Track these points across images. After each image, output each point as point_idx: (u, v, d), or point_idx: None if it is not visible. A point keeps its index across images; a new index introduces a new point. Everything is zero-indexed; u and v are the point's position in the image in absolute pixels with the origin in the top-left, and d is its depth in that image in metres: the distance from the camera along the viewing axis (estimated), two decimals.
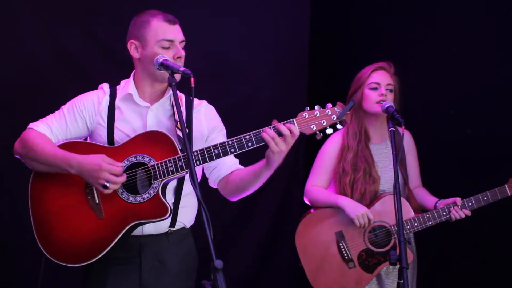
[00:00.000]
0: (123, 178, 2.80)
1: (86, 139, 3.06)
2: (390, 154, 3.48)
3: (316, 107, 2.81)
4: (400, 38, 4.65)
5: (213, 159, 2.81)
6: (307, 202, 3.84)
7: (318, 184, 3.81)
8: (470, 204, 3.68)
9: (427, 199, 3.84)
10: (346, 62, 4.57)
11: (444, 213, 3.68)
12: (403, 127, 3.18)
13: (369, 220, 3.62)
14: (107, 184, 2.77)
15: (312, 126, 2.79)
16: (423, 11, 4.61)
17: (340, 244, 3.68)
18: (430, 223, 3.67)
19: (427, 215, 3.68)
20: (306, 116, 2.80)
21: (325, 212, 3.73)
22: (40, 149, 2.88)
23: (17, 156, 2.99)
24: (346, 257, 3.67)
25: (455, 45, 4.46)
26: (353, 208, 3.64)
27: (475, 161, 4.40)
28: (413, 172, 3.88)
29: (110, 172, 2.77)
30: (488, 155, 4.34)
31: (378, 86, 3.70)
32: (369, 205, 3.69)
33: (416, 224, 3.65)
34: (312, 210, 3.79)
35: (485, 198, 3.67)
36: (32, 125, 3.00)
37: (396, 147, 3.18)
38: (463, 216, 3.67)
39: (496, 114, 4.35)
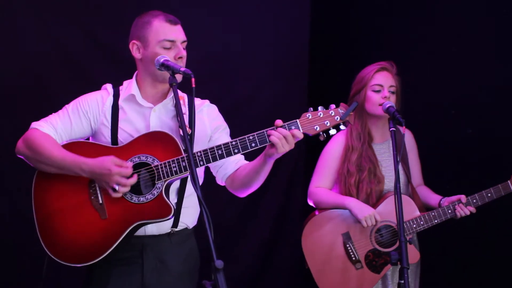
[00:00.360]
0: (133, 180, 2.79)
1: (88, 139, 3.05)
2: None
3: (320, 108, 2.82)
4: (400, 38, 4.65)
5: (217, 160, 2.82)
6: (311, 204, 3.83)
7: (322, 185, 3.80)
8: (474, 201, 3.69)
9: (431, 197, 3.84)
10: (346, 62, 4.56)
11: (450, 211, 3.69)
12: (403, 127, 3.18)
13: (376, 220, 3.63)
14: (116, 188, 2.77)
15: (315, 127, 2.79)
16: (423, 11, 4.61)
17: (347, 245, 3.67)
18: (436, 221, 3.67)
19: (433, 213, 3.68)
20: (310, 117, 2.80)
21: (331, 214, 3.72)
22: (47, 151, 2.86)
23: (20, 156, 2.96)
24: (354, 258, 3.67)
25: (455, 45, 4.47)
26: (361, 209, 3.63)
27: (475, 161, 4.40)
28: (415, 171, 3.88)
29: (121, 174, 2.77)
30: (488, 155, 4.34)
31: (381, 88, 3.68)
32: (374, 205, 3.69)
33: (422, 222, 3.65)
34: (316, 212, 3.77)
35: (489, 195, 3.69)
36: (35, 124, 2.96)
37: (397, 147, 3.18)
38: (468, 213, 3.68)
39: (496, 114, 4.35)
